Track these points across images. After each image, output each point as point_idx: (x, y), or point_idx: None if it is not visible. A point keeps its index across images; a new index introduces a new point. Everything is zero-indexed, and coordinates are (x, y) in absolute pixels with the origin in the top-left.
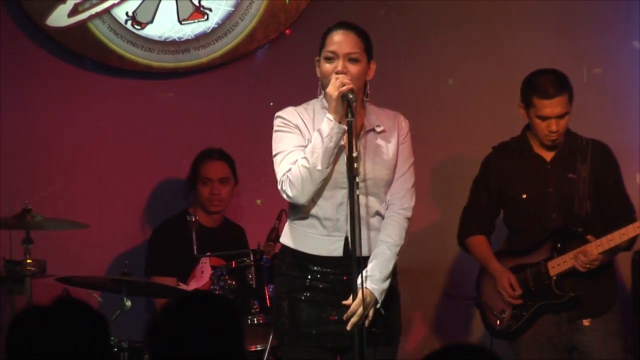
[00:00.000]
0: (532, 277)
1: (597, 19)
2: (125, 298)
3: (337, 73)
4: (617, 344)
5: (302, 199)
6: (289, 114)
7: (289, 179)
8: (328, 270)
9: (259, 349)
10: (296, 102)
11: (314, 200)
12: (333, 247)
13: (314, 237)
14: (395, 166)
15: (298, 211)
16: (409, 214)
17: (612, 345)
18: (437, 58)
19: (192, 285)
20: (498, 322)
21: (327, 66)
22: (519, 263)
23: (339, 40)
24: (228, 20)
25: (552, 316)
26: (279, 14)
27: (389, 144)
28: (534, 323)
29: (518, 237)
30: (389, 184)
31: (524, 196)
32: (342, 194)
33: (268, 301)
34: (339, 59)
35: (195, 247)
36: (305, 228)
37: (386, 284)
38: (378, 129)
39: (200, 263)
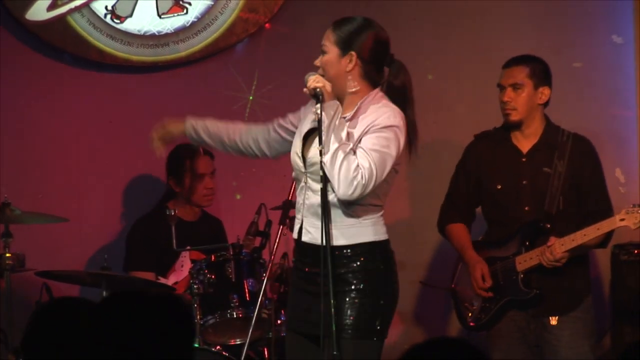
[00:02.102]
0: (501, 271)
1: (577, 14)
2: (104, 292)
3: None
4: (584, 344)
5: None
6: None
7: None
8: (301, 257)
9: (238, 343)
10: (276, 95)
11: None
12: (296, 229)
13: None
14: None
15: None
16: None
17: (579, 346)
18: (417, 54)
19: (172, 279)
20: (470, 314)
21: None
22: (491, 255)
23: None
24: (207, 14)
25: (521, 312)
26: (258, 8)
27: (350, 131)
28: (503, 317)
29: (493, 229)
30: None
31: (499, 187)
32: (301, 178)
33: (247, 295)
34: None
35: (175, 241)
36: None
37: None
38: (349, 115)
39: (180, 257)
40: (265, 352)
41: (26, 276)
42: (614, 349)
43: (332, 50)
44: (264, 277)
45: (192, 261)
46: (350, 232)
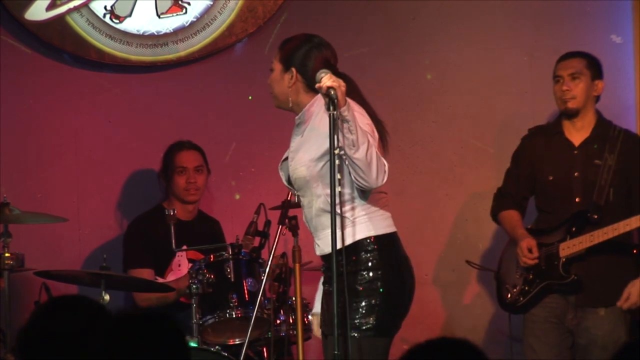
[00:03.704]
0: (544, 256)
1: (576, 13)
2: (103, 292)
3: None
4: (621, 336)
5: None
6: None
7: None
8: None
9: (237, 342)
10: None
11: None
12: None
13: None
14: (317, 158)
15: None
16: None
17: (617, 335)
18: (416, 53)
19: (170, 279)
20: (509, 295)
21: None
22: (537, 242)
23: None
24: (206, 14)
25: (562, 300)
26: (258, 8)
27: (303, 135)
28: (541, 301)
29: (543, 218)
30: (315, 179)
31: (551, 178)
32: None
33: (246, 295)
34: None
35: (173, 241)
36: None
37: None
38: (297, 120)
39: (177, 256)
40: (265, 352)
41: (25, 276)
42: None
43: (276, 68)
44: (263, 277)
45: (190, 261)
46: (344, 233)
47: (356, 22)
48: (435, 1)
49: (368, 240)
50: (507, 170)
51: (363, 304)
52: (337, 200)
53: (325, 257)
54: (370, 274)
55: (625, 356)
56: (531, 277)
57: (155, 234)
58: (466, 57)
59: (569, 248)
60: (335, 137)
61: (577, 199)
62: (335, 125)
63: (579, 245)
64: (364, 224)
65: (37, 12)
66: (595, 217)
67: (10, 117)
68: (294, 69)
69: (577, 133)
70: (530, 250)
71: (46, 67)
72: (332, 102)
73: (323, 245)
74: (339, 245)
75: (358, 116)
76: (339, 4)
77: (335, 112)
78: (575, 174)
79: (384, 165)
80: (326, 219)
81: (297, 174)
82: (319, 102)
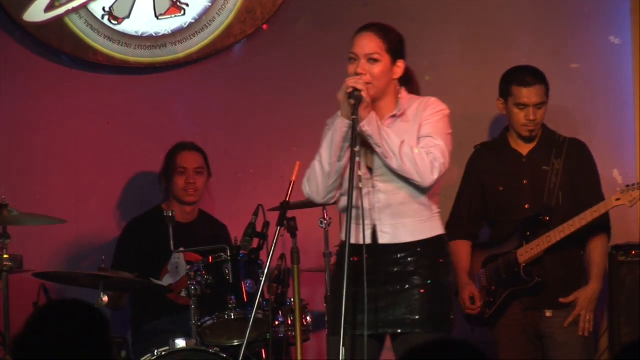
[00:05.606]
0: (503, 265)
1: (575, 15)
2: (102, 293)
3: (356, 74)
4: (578, 338)
5: (317, 198)
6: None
7: (306, 176)
8: (378, 261)
9: (236, 344)
10: (273, 97)
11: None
12: (367, 235)
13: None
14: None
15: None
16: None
17: (573, 330)
18: (414, 55)
19: (166, 281)
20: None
21: (349, 67)
22: (493, 254)
23: (360, 42)
24: (205, 16)
25: (519, 304)
26: (256, 9)
27: (405, 127)
28: (507, 310)
29: (496, 230)
30: None
31: (501, 189)
32: (365, 186)
33: (245, 296)
34: (359, 59)
35: (172, 243)
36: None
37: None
38: (398, 112)
39: (173, 258)
40: (263, 353)
41: (24, 277)
42: (611, 350)
43: (385, 59)
44: (262, 278)
45: (189, 262)
46: (425, 226)
47: (355, 23)
48: (435, 1)
49: (438, 239)
50: (458, 194)
51: (437, 301)
52: (407, 191)
53: (395, 247)
54: (437, 271)
55: (625, 356)
56: (494, 288)
57: (151, 236)
58: (466, 58)
59: (526, 253)
60: (385, 144)
61: (526, 206)
62: (355, 130)
63: (537, 248)
64: (438, 221)
65: (36, 13)
66: (547, 218)
67: (9, 118)
68: (402, 62)
69: (525, 145)
70: (472, 301)
71: (44, 68)
72: (357, 103)
73: (397, 233)
74: (416, 237)
75: (438, 121)
76: (338, 4)
77: (355, 118)
78: (524, 181)
79: (433, 161)
80: (410, 209)
81: None
82: (406, 94)
